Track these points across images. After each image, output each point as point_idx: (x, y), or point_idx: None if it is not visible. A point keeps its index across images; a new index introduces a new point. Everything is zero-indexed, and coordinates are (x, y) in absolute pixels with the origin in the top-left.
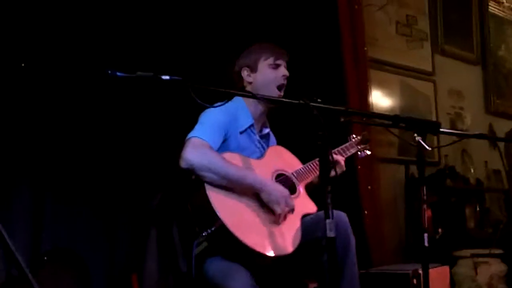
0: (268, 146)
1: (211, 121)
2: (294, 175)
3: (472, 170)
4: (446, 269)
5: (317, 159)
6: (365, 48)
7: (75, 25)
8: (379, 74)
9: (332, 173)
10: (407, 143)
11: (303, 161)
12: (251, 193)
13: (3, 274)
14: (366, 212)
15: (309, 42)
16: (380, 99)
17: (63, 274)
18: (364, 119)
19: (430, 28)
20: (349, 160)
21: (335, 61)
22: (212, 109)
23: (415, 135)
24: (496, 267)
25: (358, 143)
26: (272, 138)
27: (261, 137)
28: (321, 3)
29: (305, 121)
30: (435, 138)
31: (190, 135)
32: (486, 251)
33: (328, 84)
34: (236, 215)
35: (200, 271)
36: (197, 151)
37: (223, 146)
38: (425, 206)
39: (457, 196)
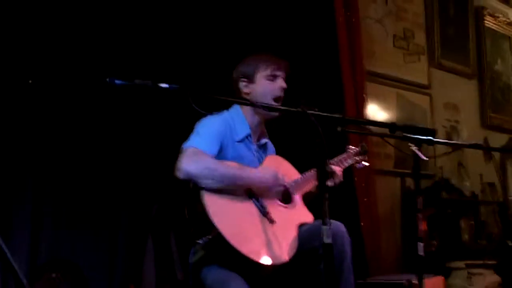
0: (266, 156)
1: (207, 130)
2: (291, 185)
3: (467, 183)
4: (441, 279)
5: (314, 168)
6: (362, 61)
7: (74, 32)
8: (376, 87)
9: (330, 183)
10: (404, 153)
11: (302, 171)
12: (247, 196)
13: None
14: (362, 223)
15: (308, 55)
16: (377, 112)
17: (61, 285)
18: (360, 127)
19: (427, 42)
20: (347, 172)
21: (333, 73)
22: (207, 118)
23: (411, 145)
24: (490, 278)
25: (356, 154)
26: (271, 148)
27: (259, 146)
28: (319, 15)
29: (303, 130)
30: (431, 149)
31: (185, 145)
32: (480, 262)
33: (326, 96)
34: (233, 223)
35: (197, 279)
36: (193, 160)
37: (220, 156)
38: (420, 215)
39: (453, 208)
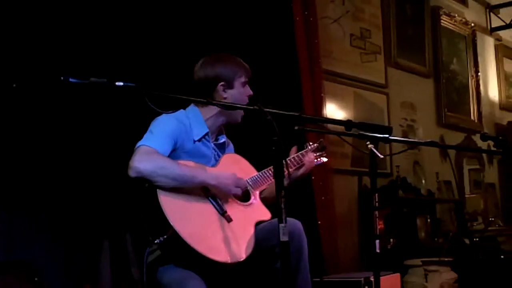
0: (224, 154)
1: (161, 129)
2: (248, 183)
3: (423, 181)
4: (397, 277)
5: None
6: (320, 60)
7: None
8: (333, 86)
9: (302, 171)
10: (361, 152)
11: (260, 169)
12: (204, 195)
13: None
14: (320, 222)
15: (266, 54)
16: (334, 111)
17: (15, 286)
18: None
19: (383, 41)
20: None
21: (291, 72)
22: (162, 117)
23: (368, 143)
24: (446, 275)
25: (315, 150)
26: (230, 147)
27: (217, 145)
28: (277, 15)
29: (261, 128)
30: (387, 147)
31: (138, 144)
32: (436, 260)
33: (284, 95)
34: (189, 222)
35: (153, 279)
36: (145, 158)
37: (176, 155)
38: (376, 213)
39: (409, 206)
